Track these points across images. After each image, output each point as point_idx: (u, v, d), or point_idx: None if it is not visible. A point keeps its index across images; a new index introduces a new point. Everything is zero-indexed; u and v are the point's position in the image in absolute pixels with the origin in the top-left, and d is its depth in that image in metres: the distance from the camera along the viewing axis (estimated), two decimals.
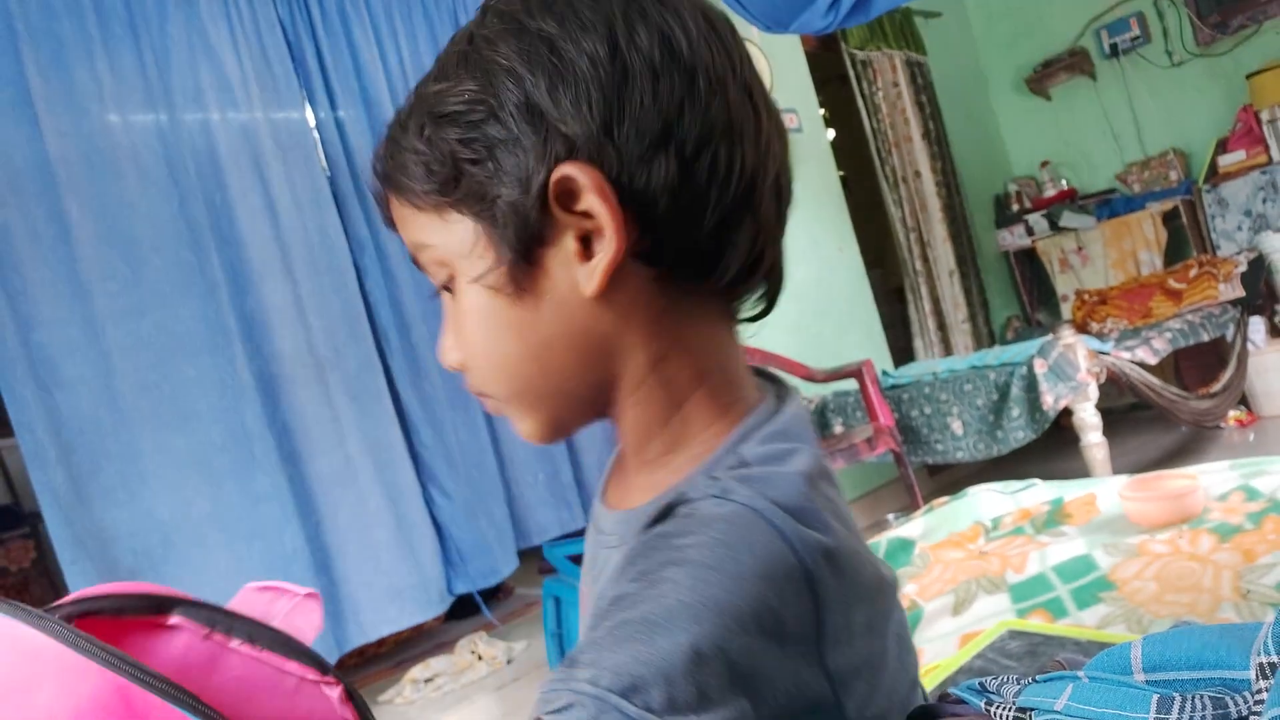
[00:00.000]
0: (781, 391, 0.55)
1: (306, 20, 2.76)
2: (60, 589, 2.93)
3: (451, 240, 0.48)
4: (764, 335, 0.59)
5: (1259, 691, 0.36)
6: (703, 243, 0.46)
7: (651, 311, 0.48)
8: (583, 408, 0.52)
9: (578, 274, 0.46)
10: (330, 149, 2.81)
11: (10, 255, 2.17)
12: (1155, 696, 0.38)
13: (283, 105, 2.69)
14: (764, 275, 0.51)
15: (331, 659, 2.51)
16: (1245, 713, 0.36)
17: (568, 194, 0.44)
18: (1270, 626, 0.37)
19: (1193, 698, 0.38)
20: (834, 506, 0.47)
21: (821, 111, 4.11)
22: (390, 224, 0.53)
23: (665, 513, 0.45)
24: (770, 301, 0.53)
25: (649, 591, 0.40)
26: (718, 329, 0.51)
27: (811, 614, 0.42)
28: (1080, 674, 0.42)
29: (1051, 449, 3.36)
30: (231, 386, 2.45)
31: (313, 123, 2.79)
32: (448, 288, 0.51)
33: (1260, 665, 0.36)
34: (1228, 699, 0.37)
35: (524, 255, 0.46)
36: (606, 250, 0.45)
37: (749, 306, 0.53)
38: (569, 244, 0.46)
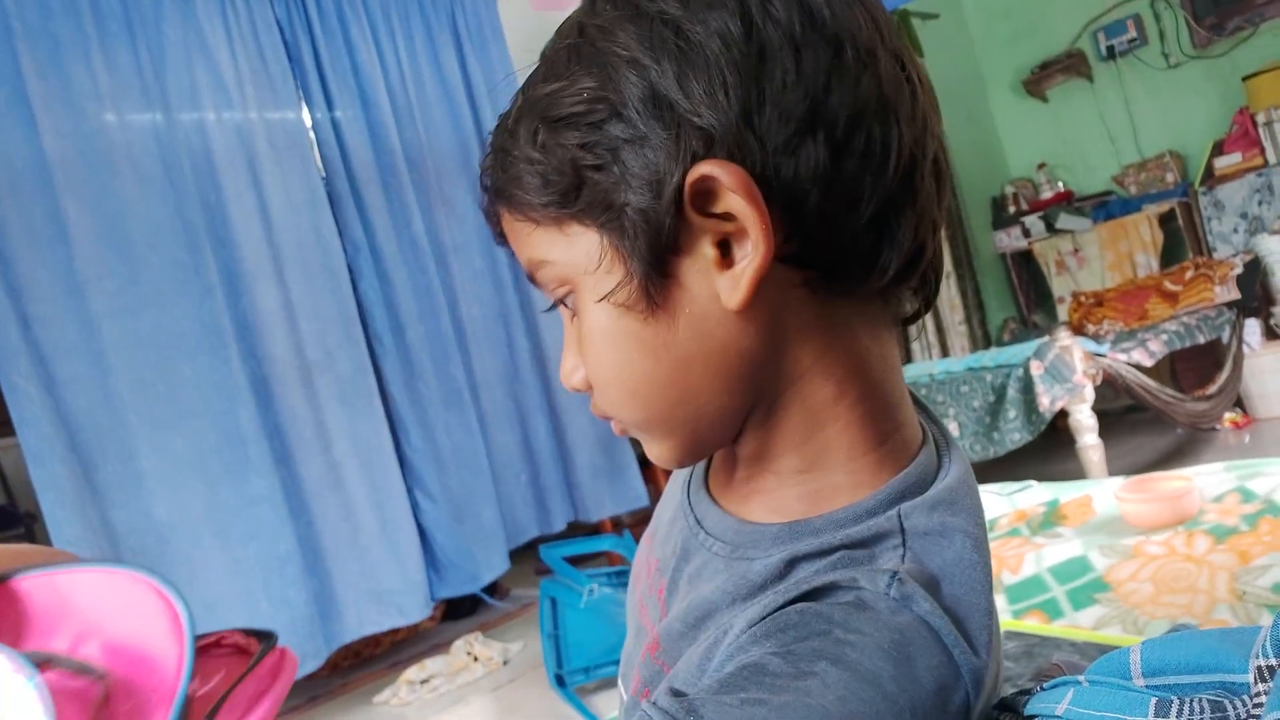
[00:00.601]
0: (943, 440, 0.49)
1: (304, 20, 2.75)
2: None
3: (574, 255, 0.43)
4: None
5: (1257, 695, 0.36)
6: (859, 239, 0.41)
7: (801, 322, 0.43)
8: (723, 429, 0.46)
9: (718, 284, 0.41)
10: (326, 149, 2.81)
11: (8, 253, 2.17)
12: (1153, 699, 0.38)
13: (279, 105, 2.69)
14: (924, 269, 0.45)
15: (321, 658, 2.52)
16: (1244, 715, 0.36)
17: (705, 194, 0.39)
18: (1269, 629, 0.37)
19: (1191, 700, 0.38)
20: (992, 598, 0.44)
21: None
22: (502, 240, 0.48)
23: (826, 589, 0.40)
24: (928, 299, 0.47)
25: (794, 682, 0.36)
26: (878, 336, 0.46)
27: None
28: (1080, 678, 0.42)
29: (1047, 450, 3.36)
30: (227, 387, 2.44)
31: (309, 123, 2.79)
32: (564, 302, 0.46)
33: (1259, 668, 0.36)
34: (1226, 702, 0.37)
35: (657, 267, 0.41)
36: (754, 256, 0.39)
37: (904, 304, 0.47)
38: (706, 251, 0.41)
